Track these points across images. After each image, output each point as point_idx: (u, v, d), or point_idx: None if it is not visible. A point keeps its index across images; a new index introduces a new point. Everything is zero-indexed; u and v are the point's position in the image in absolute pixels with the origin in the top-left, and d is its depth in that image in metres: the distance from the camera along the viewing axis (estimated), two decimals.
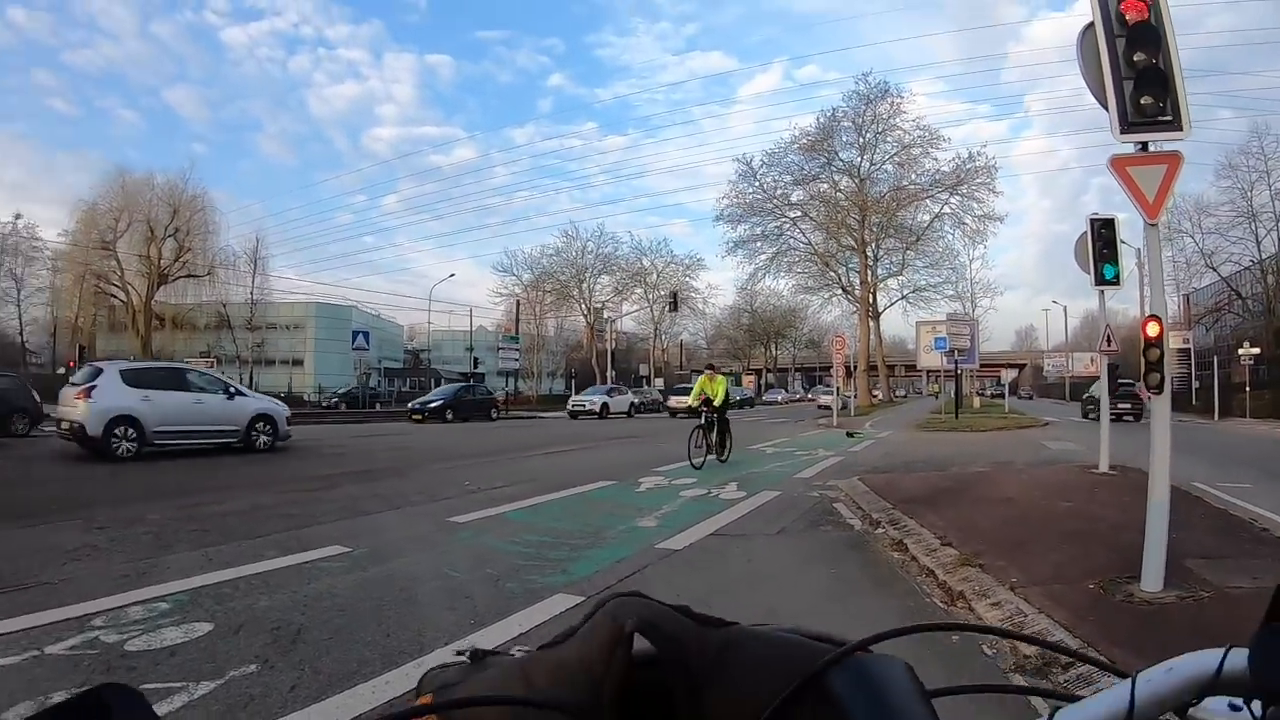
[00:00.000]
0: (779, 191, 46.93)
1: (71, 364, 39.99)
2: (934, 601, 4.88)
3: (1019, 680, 3.35)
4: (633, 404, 39.97)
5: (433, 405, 29.83)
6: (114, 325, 53.45)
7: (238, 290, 52.16)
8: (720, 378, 13.55)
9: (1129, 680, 0.53)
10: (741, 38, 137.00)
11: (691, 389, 14.91)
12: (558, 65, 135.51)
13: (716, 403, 12.86)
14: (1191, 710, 0.52)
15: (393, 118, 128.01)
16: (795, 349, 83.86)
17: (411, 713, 0.53)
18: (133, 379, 13.77)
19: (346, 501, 8.84)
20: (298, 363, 61.73)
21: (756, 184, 46.89)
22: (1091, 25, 4.48)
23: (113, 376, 13.58)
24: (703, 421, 12.65)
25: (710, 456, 12.42)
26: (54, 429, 15.16)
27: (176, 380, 14.71)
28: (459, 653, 0.64)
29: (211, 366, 49.59)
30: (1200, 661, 0.52)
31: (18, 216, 46.50)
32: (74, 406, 13.19)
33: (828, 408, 30.66)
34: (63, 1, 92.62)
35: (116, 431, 13.13)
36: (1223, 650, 0.52)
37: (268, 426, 15.48)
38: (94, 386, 13.24)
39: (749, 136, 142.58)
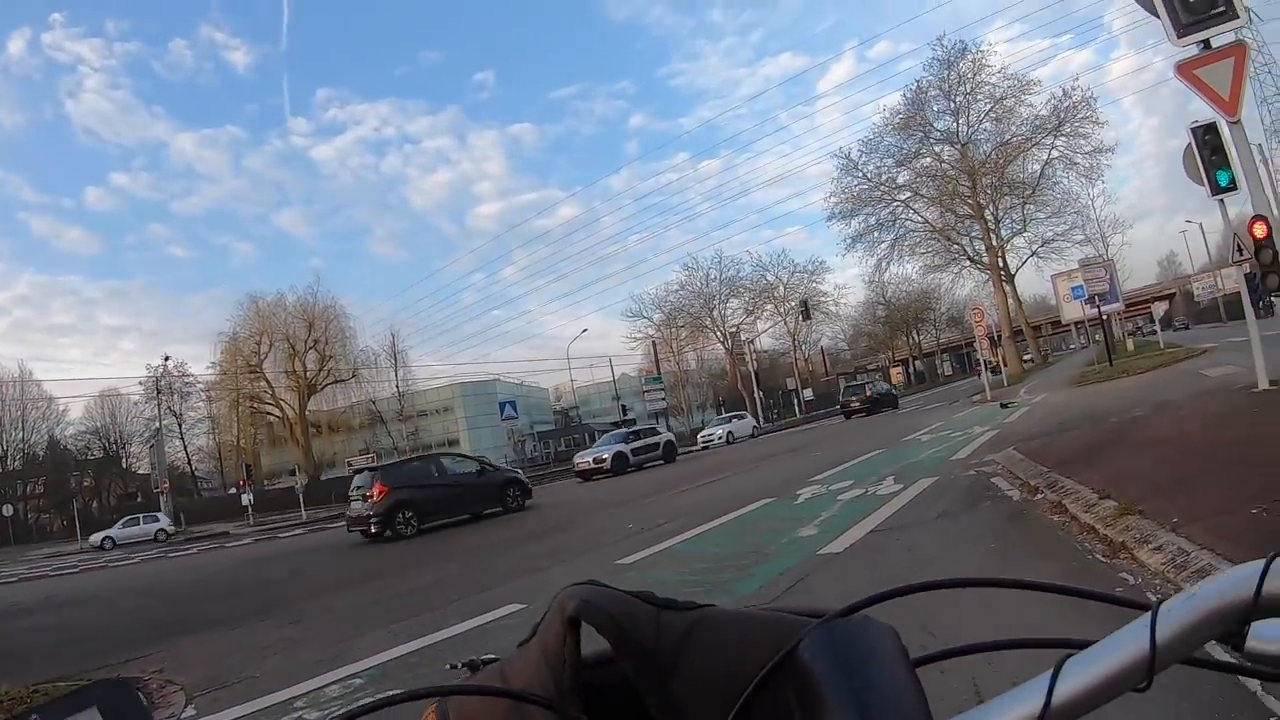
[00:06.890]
0: (884, 177, 45.89)
1: (241, 483, 41.94)
2: (1096, 558, 4.64)
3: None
4: (755, 427, 38.97)
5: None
6: (274, 440, 57.44)
7: (383, 386, 55.06)
8: None
9: (1146, 614, 0.44)
10: (806, 31, 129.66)
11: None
12: (634, 106, 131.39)
13: None
14: (1250, 641, 0.43)
15: (491, 193, 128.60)
16: (938, 331, 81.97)
17: (401, 699, 0.54)
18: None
19: (521, 560, 9.33)
20: (452, 443, 63.34)
21: (860, 175, 46.00)
22: None
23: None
24: None
25: None
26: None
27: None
28: (458, 664, 0.67)
29: (371, 461, 52.05)
30: (1234, 582, 0.43)
31: (166, 358, 50.83)
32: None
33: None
34: (158, 160, 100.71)
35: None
36: (1260, 564, 0.42)
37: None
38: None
39: (842, 130, 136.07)
